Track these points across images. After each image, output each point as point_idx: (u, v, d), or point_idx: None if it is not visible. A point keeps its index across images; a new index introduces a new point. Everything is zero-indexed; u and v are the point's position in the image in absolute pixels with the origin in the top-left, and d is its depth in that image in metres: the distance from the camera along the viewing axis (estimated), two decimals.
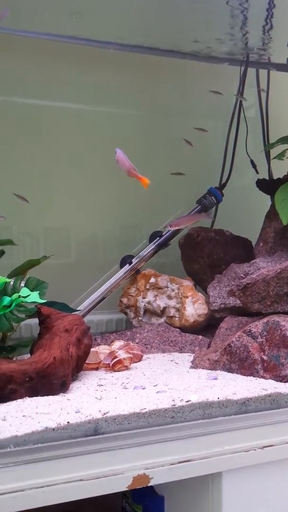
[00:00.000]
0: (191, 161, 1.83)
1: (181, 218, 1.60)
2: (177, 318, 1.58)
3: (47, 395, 1.02)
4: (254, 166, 1.81)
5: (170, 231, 1.66)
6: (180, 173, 1.66)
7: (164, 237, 1.66)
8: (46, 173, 1.69)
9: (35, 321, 1.20)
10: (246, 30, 1.56)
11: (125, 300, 1.64)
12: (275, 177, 1.80)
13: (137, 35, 1.63)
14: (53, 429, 0.86)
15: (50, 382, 1.03)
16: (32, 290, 1.18)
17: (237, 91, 1.79)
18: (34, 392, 1.01)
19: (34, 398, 1.00)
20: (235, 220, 1.81)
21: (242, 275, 1.49)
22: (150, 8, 1.42)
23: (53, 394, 1.03)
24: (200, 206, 1.71)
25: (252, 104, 1.88)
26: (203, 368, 1.26)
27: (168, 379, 1.15)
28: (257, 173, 1.80)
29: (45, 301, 1.17)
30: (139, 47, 1.68)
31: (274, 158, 1.65)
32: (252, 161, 1.80)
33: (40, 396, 1.01)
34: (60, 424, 0.87)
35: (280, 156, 1.60)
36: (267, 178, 1.80)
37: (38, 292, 1.15)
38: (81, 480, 0.87)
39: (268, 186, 1.68)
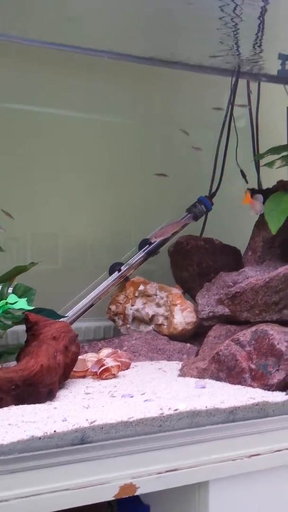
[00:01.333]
0: (182, 170, 1.84)
1: (164, 228, 1.61)
2: (165, 326, 1.58)
3: (34, 403, 1.01)
4: (243, 175, 1.82)
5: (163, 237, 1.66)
6: (163, 175, 1.67)
7: (153, 244, 1.67)
8: (35, 179, 1.68)
9: (22, 327, 1.19)
10: (237, 42, 1.58)
11: (113, 307, 1.63)
12: (264, 187, 1.81)
13: (131, 45, 1.65)
14: (40, 438, 0.85)
15: (37, 390, 1.02)
16: (19, 297, 1.17)
17: (228, 102, 1.81)
18: (20, 400, 1.00)
19: (20, 406, 0.99)
20: (224, 229, 1.82)
21: (231, 283, 1.49)
22: (144, 18, 1.44)
23: (39, 402, 1.02)
24: (190, 215, 1.72)
25: (243, 115, 1.90)
26: (191, 377, 1.26)
27: (156, 387, 1.15)
28: (247, 182, 1.82)
29: (33, 308, 1.16)
30: (133, 56, 1.70)
31: (264, 165, 1.66)
32: (242, 171, 1.82)
33: (27, 404, 1.00)
34: (46, 432, 0.86)
35: (270, 164, 1.62)
36: (256, 187, 1.82)
37: (25, 298, 1.14)
38: (67, 489, 0.86)
39: None
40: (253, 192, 1.59)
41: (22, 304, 1.10)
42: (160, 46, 1.65)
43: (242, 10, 1.35)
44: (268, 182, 1.71)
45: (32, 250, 1.70)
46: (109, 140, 1.79)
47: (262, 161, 1.74)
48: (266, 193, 1.57)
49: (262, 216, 1.57)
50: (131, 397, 1.07)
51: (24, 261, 1.43)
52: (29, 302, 1.18)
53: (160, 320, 1.59)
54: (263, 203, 1.54)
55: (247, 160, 1.83)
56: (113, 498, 0.90)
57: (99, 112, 1.78)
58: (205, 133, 1.89)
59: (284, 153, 1.64)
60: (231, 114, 1.80)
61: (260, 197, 1.49)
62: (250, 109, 1.87)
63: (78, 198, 1.74)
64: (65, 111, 1.73)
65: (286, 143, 1.78)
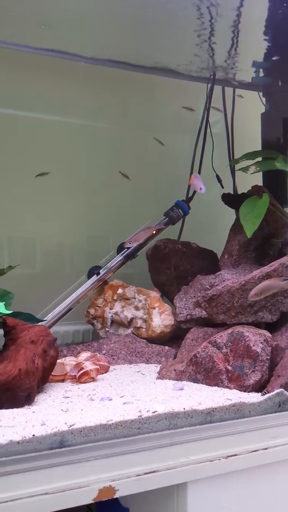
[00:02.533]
0: (159, 174, 1.86)
1: (138, 233, 1.63)
2: (144, 329, 1.59)
3: (12, 407, 1.00)
4: (219, 180, 1.85)
5: (140, 242, 1.68)
6: (126, 176, 1.68)
7: (131, 248, 1.68)
8: (12, 183, 1.67)
9: None
10: (212, 49, 1.61)
11: (92, 311, 1.64)
12: (239, 191, 1.85)
13: (107, 50, 1.66)
14: (18, 442, 0.85)
15: (15, 394, 1.02)
16: None
17: (204, 108, 1.84)
18: None
19: None
20: (201, 233, 1.84)
21: (208, 286, 1.52)
22: (120, 23, 1.45)
23: (18, 407, 1.01)
24: (167, 219, 1.74)
25: (218, 120, 1.93)
26: (169, 379, 1.27)
27: (134, 390, 1.16)
28: (222, 187, 1.85)
29: (11, 312, 1.15)
30: (109, 61, 1.71)
31: (239, 169, 1.70)
32: (217, 176, 1.85)
33: (5, 408, 0.99)
34: (25, 437, 0.86)
35: (244, 169, 1.65)
36: (232, 192, 1.85)
37: (3, 302, 1.13)
38: (46, 493, 0.85)
39: (233, 200, 1.72)
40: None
41: None
42: (136, 52, 1.67)
43: (217, 19, 1.38)
44: (243, 187, 1.75)
45: (9, 253, 1.68)
46: (86, 144, 1.79)
47: (237, 166, 1.77)
48: (241, 198, 1.60)
49: (238, 220, 1.60)
50: (110, 400, 1.07)
51: (1, 265, 1.42)
52: (7, 306, 1.17)
53: (139, 323, 1.60)
54: (239, 207, 1.57)
55: (223, 165, 1.86)
56: (92, 501, 0.90)
57: (75, 116, 1.79)
58: (181, 138, 1.92)
59: (258, 159, 1.68)
60: (207, 120, 1.83)
61: (198, 176, 1.58)
62: (225, 115, 1.90)
63: (56, 202, 1.74)
64: (41, 115, 1.73)
65: (260, 149, 1.82)
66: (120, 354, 1.48)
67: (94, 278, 1.63)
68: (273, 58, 1.63)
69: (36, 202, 1.71)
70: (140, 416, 0.96)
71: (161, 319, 1.56)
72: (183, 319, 1.53)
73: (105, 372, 1.33)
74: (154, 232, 1.68)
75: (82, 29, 1.49)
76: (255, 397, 1.10)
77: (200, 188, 1.51)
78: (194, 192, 1.81)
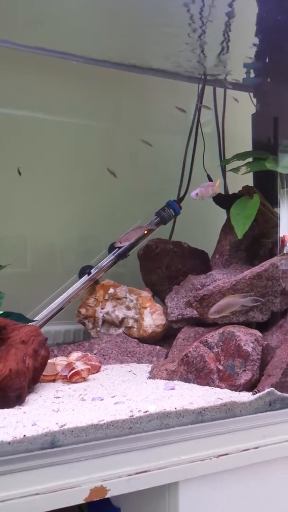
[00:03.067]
0: (150, 174, 1.86)
1: (128, 233, 1.63)
2: (135, 329, 1.59)
3: (2, 408, 1.00)
4: (210, 181, 1.86)
5: (130, 241, 1.67)
6: (114, 174, 1.68)
7: (123, 248, 1.68)
8: (3, 182, 1.66)
9: None
10: (204, 50, 1.61)
11: (83, 310, 1.63)
12: (230, 192, 1.85)
13: (100, 49, 1.66)
14: (9, 443, 0.84)
15: (6, 395, 1.01)
16: None
17: (195, 108, 1.84)
18: None
19: None
20: (193, 233, 1.85)
21: (199, 286, 1.52)
22: (113, 23, 1.45)
23: (8, 407, 1.00)
24: (158, 218, 1.74)
25: (209, 121, 1.94)
26: (160, 379, 1.27)
27: (126, 390, 1.15)
28: None
29: (1, 312, 1.14)
30: (101, 61, 1.70)
31: (229, 170, 1.70)
32: (208, 176, 1.85)
33: None
34: (16, 437, 0.85)
35: (235, 170, 1.66)
36: (223, 193, 1.86)
37: None
38: (37, 494, 0.85)
39: (224, 200, 1.73)
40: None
41: None
42: (128, 51, 1.67)
43: (209, 20, 1.39)
44: (234, 187, 1.76)
45: (0, 253, 1.67)
46: (78, 143, 1.79)
47: (228, 167, 1.78)
48: (232, 198, 1.61)
49: (228, 220, 1.61)
50: (101, 400, 1.07)
51: None
52: None
53: (130, 322, 1.60)
54: (229, 208, 1.57)
55: (214, 165, 1.87)
56: (84, 501, 0.90)
57: (67, 115, 1.78)
58: (173, 138, 1.92)
59: (249, 159, 1.69)
60: (198, 120, 1.84)
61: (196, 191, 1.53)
62: (216, 116, 1.91)
63: (47, 201, 1.73)
64: (32, 113, 1.72)
65: (251, 149, 1.83)
66: (111, 354, 1.48)
67: (86, 277, 1.63)
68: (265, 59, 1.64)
69: (27, 201, 1.70)
70: (132, 416, 0.96)
71: (152, 319, 1.56)
72: (174, 319, 1.53)
73: (96, 372, 1.33)
74: (145, 232, 1.68)
75: (74, 27, 1.48)
76: (246, 397, 1.11)
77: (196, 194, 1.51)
78: (185, 192, 1.81)
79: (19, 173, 1.54)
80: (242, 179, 1.71)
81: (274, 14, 1.41)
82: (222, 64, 1.74)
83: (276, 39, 1.57)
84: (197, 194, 1.50)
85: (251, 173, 1.74)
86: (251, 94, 1.92)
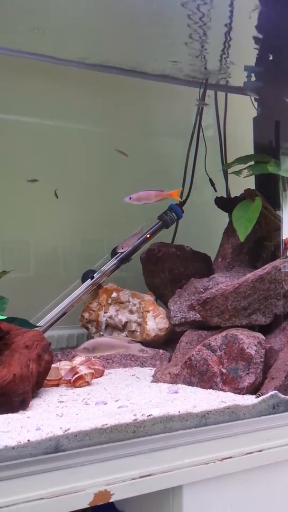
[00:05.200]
0: (152, 178, 1.86)
1: (129, 238, 1.64)
2: (138, 333, 1.59)
3: (7, 412, 1.00)
4: (212, 184, 1.86)
5: (131, 246, 1.68)
6: (124, 153, 1.68)
7: (125, 252, 1.68)
8: (6, 187, 1.67)
9: None
10: (205, 54, 1.62)
11: (86, 314, 1.64)
12: (232, 195, 1.86)
13: (100, 54, 1.67)
14: (13, 448, 0.85)
15: (10, 399, 1.01)
16: None
17: (196, 112, 1.85)
18: None
19: None
20: (195, 236, 1.85)
21: (201, 289, 1.52)
22: (113, 29, 1.46)
23: (12, 412, 1.01)
24: (161, 222, 1.74)
25: (211, 125, 1.95)
26: (164, 382, 1.27)
27: (129, 393, 1.16)
28: (215, 191, 1.86)
29: (5, 317, 1.15)
30: (102, 66, 1.72)
31: (231, 172, 1.71)
32: (210, 180, 1.86)
33: None
34: (20, 442, 0.86)
35: (237, 173, 1.67)
36: (225, 196, 1.86)
37: None
38: (41, 498, 0.85)
39: (226, 203, 1.73)
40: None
41: None
42: (129, 57, 1.68)
43: (209, 24, 1.40)
44: (236, 190, 1.76)
45: (3, 258, 1.68)
46: (80, 148, 1.79)
47: (230, 170, 1.79)
48: (234, 201, 1.61)
49: (230, 223, 1.61)
50: (105, 404, 1.07)
51: None
52: (0, 311, 1.17)
53: (133, 326, 1.60)
54: (232, 211, 1.58)
55: (216, 169, 1.87)
56: (88, 506, 0.90)
57: (69, 121, 1.79)
58: (174, 143, 1.93)
59: (251, 163, 1.69)
60: (200, 124, 1.84)
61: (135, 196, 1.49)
62: (218, 120, 1.92)
63: (50, 206, 1.74)
64: (34, 119, 1.73)
65: (252, 152, 1.83)
66: (114, 358, 1.49)
67: (89, 282, 1.64)
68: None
69: (29, 206, 1.71)
70: (135, 419, 0.97)
71: (155, 323, 1.56)
72: (177, 322, 1.53)
73: (100, 376, 1.33)
74: (148, 236, 1.69)
75: (74, 34, 1.49)
76: (249, 400, 1.11)
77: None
78: (187, 195, 1.82)
79: (56, 196, 1.55)
80: (244, 182, 1.71)
81: (276, 17, 1.42)
82: (223, 68, 1.75)
83: (277, 42, 1.57)
84: (130, 198, 1.49)
85: (253, 176, 1.75)
86: (252, 97, 1.92)
